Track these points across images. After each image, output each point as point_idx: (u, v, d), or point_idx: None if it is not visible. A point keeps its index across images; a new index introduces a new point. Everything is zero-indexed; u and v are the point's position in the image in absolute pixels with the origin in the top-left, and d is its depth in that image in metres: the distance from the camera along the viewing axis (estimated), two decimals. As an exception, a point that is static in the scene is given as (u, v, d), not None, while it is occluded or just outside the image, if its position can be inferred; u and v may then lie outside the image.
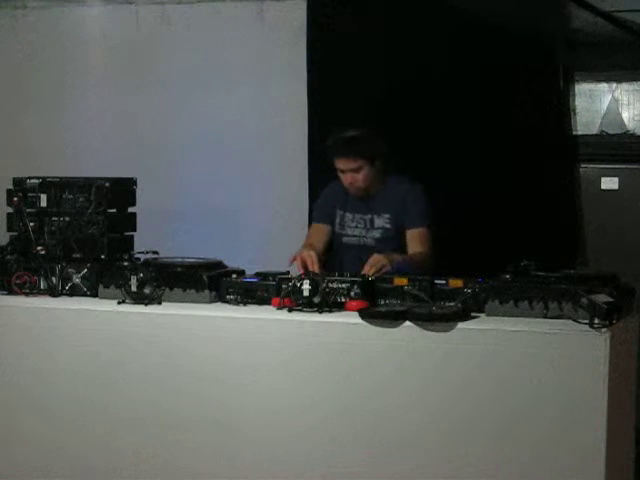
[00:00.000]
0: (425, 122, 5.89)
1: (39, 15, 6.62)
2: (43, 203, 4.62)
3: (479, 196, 6.02)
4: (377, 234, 5.05)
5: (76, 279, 4.54)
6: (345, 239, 5.12)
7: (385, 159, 5.06)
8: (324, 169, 5.23)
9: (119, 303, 4.35)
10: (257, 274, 4.44)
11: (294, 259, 4.63)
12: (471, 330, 3.89)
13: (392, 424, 3.96)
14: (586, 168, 7.05)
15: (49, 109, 6.61)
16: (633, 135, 7.00)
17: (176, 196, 6.36)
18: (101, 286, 4.47)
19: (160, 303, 4.35)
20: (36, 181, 4.65)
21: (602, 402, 3.71)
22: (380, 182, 5.07)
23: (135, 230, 4.77)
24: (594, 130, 7.07)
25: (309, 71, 6.03)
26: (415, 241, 4.98)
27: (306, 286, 4.16)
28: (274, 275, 4.33)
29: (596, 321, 3.76)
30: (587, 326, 3.76)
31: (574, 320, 3.82)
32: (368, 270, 4.50)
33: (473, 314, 4.01)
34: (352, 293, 4.20)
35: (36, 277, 4.53)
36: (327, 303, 4.16)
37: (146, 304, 4.32)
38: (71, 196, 4.61)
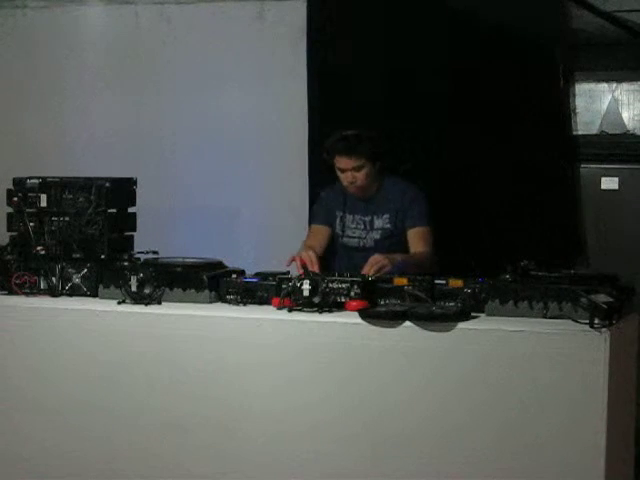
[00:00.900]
0: (425, 122, 5.89)
1: (39, 15, 6.63)
2: (43, 203, 4.62)
3: (479, 196, 6.02)
4: (377, 235, 5.06)
5: (76, 279, 4.54)
6: (345, 240, 5.13)
7: (384, 160, 5.06)
8: (324, 169, 5.23)
9: (119, 303, 4.35)
10: (257, 274, 4.44)
11: (293, 260, 4.64)
12: (471, 330, 3.89)
13: (392, 424, 3.96)
14: (586, 168, 7.05)
15: (49, 109, 6.62)
16: (633, 135, 6.99)
17: (176, 196, 6.36)
18: (101, 286, 4.47)
19: (160, 303, 4.35)
20: (36, 181, 4.65)
21: (602, 402, 3.71)
22: (378, 183, 5.08)
23: (135, 230, 4.76)
24: (594, 130, 7.06)
25: (309, 71, 6.03)
26: (417, 240, 4.99)
27: (306, 286, 4.16)
28: (274, 275, 4.33)
29: (596, 321, 3.76)
30: (587, 326, 3.76)
31: (574, 320, 3.82)
32: (368, 270, 4.51)
33: (473, 314, 4.01)
34: (352, 293, 4.20)
35: (36, 277, 4.53)
36: (327, 303, 4.16)
37: (146, 304, 4.32)
38: (71, 196, 4.60)
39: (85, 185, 4.60)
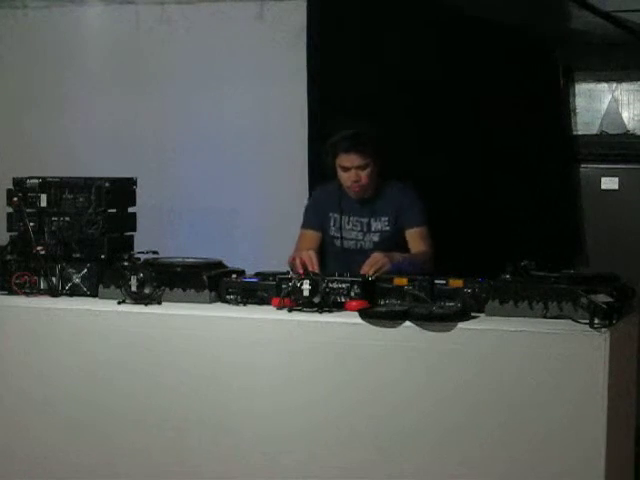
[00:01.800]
0: (424, 122, 5.89)
1: (39, 15, 6.62)
2: (43, 203, 4.62)
3: (479, 196, 6.02)
4: (376, 237, 5.02)
5: (76, 279, 4.54)
6: (342, 242, 5.09)
7: (385, 161, 5.04)
8: (324, 169, 5.23)
9: (119, 303, 4.35)
10: (257, 274, 4.44)
11: (293, 259, 4.63)
12: (471, 330, 3.89)
13: (392, 424, 3.96)
14: (586, 168, 7.05)
15: (49, 109, 6.61)
16: (633, 135, 7.00)
17: (176, 196, 6.36)
18: (101, 286, 4.47)
19: (160, 303, 4.35)
20: (36, 181, 4.65)
21: (602, 402, 3.71)
22: (376, 185, 5.05)
23: (135, 230, 4.77)
24: (594, 130, 7.07)
25: (309, 71, 6.03)
26: (416, 240, 4.98)
27: (306, 286, 4.16)
28: (274, 275, 4.33)
29: (596, 321, 3.76)
30: (587, 326, 3.76)
31: (574, 320, 3.82)
32: (368, 269, 4.50)
33: (473, 314, 4.01)
34: (352, 293, 4.20)
35: (36, 277, 4.53)
36: (327, 303, 4.16)
37: (146, 304, 4.32)
38: (71, 196, 4.61)
39: (85, 185, 4.61)
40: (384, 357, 3.96)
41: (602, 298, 3.82)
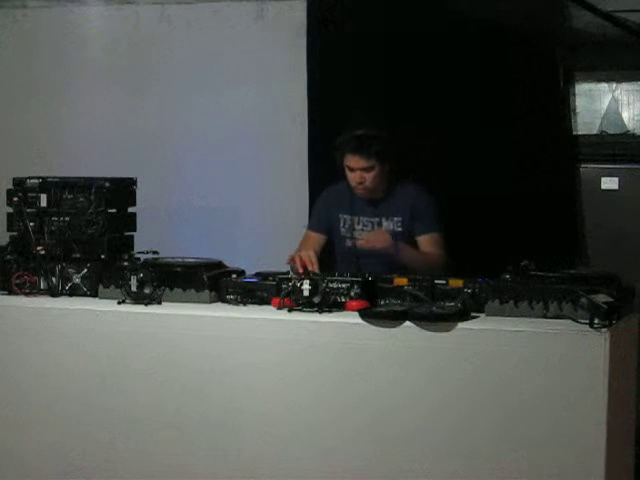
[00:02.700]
0: (424, 122, 5.88)
1: (39, 15, 6.62)
2: (43, 203, 4.62)
3: (479, 196, 6.01)
4: None
5: (76, 279, 4.54)
6: (352, 242, 5.06)
7: (395, 163, 5.01)
8: (324, 169, 5.22)
9: (119, 303, 4.36)
10: (257, 274, 4.44)
11: (292, 259, 4.62)
12: (471, 330, 3.89)
13: (392, 424, 3.96)
14: (586, 168, 7.04)
15: (49, 109, 6.61)
16: (633, 135, 6.99)
17: (176, 196, 6.36)
18: (101, 286, 4.47)
19: (160, 303, 4.35)
20: (36, 181, 4.65)
21: (602, 402, 3.71)
22: (387, 186, 5.02)
23: (135, 230, 4.77)
24: (594, 130, 7.05)
25: (309, 71, 6.03)
26: (428, 246, 4.93)
27: (306, 286, 4.16)
28: (274, 275, 4.33)
29: (596, 321, 3.76)
30: (587, 326, 3.76)
31: (574, 320, 3.82)
32: (366, 238, 4.47)
33: (473, 314, 4.02)
34: (352, 293, 4.20)
35: (36, 277, 4.53)
36: (327, 303, 4.16)
37: (146, 304, 4.32)
38: (71, 196, 4.61)
39: (85, 185, 4.61)
40: (384, 357, 3.96)
41: (602, 298, 3.82)
